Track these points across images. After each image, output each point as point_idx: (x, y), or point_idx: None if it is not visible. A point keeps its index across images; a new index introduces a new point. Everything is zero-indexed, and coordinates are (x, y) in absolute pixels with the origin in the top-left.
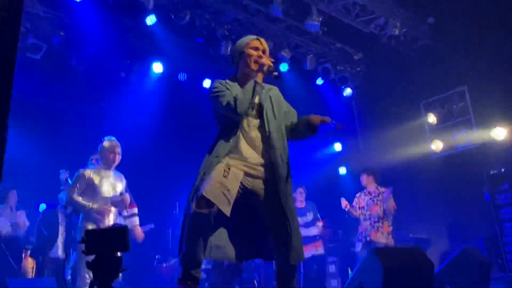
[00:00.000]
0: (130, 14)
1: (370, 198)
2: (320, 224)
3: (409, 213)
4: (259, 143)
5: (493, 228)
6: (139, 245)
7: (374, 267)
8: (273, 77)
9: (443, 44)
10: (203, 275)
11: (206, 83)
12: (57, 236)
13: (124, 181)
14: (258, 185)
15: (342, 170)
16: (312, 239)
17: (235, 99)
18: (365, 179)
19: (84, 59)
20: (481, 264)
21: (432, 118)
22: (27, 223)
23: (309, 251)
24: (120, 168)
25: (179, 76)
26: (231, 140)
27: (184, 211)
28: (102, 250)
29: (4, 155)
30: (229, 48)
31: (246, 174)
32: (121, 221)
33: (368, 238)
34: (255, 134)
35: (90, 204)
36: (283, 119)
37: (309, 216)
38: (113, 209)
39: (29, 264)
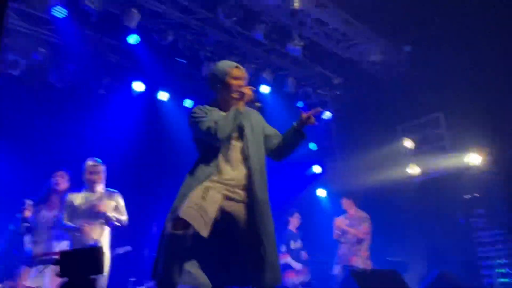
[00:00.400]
0: (113, 32)
1: (350, 223)
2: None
3: (386, 236)
4: (240, 166)
5: (469, 252)
6: (114, 267)
7: None
8: (256, 108)
9: (420, 71)
10: None
11: (187, 103)
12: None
13: (116, 197)
14: (237, 208)
15: (322, 193)
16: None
17: (215, 125)
18: (345, 203)
19: (64, 76)
20: (457, 287)
21: (408, 143)
22: None
23: (295, 278)
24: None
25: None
26: (212, 163)
27: (160, 233)
28: (76, 272)
29: None
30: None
31: (227, 197)
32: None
33: (348, 263)
34: (236, 157)
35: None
36: (262, 142)
37: (298, 244)
38: (96, 226)
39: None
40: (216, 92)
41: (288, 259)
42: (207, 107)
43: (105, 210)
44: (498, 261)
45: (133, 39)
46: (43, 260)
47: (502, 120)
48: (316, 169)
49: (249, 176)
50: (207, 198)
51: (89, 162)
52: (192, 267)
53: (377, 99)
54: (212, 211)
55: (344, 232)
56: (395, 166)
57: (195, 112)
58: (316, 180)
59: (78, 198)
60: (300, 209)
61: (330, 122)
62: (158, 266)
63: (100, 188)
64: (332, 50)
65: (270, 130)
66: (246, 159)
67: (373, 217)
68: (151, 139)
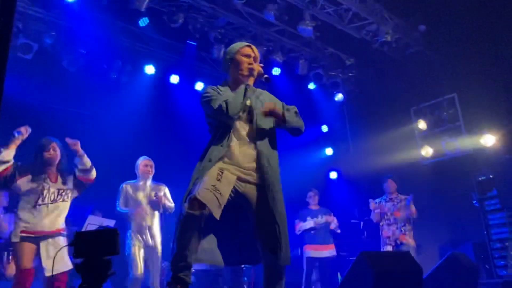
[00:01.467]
0: (123, 16)
1: (393, 204)
2: (333, 219)
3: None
4: (251, 148)
5: (482, 233)
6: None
7: (365, 271)
8: (263, 80)
9: (434, 51)
10: (192, 279)
11: (198, 86)
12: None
13: (164, 188)
14: (250, 190)
15: (333, 175)
16: (325, 240)
17: (226, 102)
18: (391, 185)
19: (76, 60)
20: (469, 269)
21: (422, 124)
22: (11, 228)
23: (320, 252)
24: (110, 170)
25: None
26: (224, 145)
27: (176, 213)
28: (91, 253)
29: None
30: (221, 52)
31: (239, 178)
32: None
33: (398, 241)
34: (247, 139)
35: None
36: (272, 123)
37: (320, 219)
38: (149, 210)
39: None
40: (228, 72)
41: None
42: (219, 87)
43: (161, 198)
44: None
45: (143, 21)
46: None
47: None
48: (328, 151)
49: (258, 159)
50: (221, 179)
51: (144, 159)
52: (206, 245)
53: (390, 80)
54: (226, 192)
55: (387, 214)
56: (408, 148)
57: (207, 92)
58: (328, 162)
59: (132, 188)
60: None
61: (342, 104)
62: (174, 245)
63: (150, 180)
64: (344, 31)
65: (282, 105)
66: (255, 141)
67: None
68: (163, 121)
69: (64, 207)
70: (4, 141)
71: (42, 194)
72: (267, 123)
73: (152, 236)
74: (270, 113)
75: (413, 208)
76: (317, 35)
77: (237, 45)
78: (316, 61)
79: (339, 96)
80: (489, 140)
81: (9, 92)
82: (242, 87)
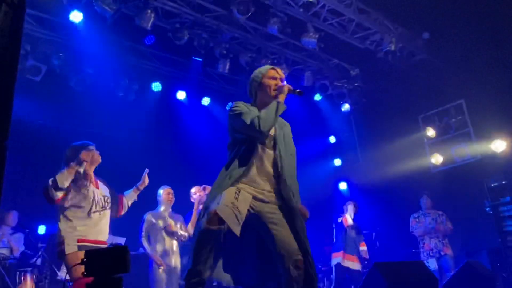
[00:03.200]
0: (129, 34)
1: (432, 219)
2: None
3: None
4: (270, 175)
5: (496, 240)
6: (138, 267)
7: (378, 282)
8: (297, 94)
9: (440, 58)
10: None
11: (205, 101)
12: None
13: (181, 218)
14: (265, 209)
15: (343, 186)
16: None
17: (259, 117)
18: (428, 202)
19: (83, 80)
20: (485, 277)
21: (430, 132)
22: (21, 248)
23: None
24: (117, 187)
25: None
26: (245, 166)
27: (195, 228)
28: (102, 271)
29: (3, 176)
30: (227, 67)
31: (254, 197)
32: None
33: (442, 253)
34: (268, 166)
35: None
36: (289, 157)
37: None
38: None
39: (28, 286)
40: (255, 95)
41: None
42: (250, 105)
43: (177, 230)
44: None
45: (149, 40)
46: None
47: None
48: (337, 162)
49: (281, 187)
50: (239, 197)
51: (167, 188)
52: (222, 262)
53: (396, 89)
54: (244, 210)
55: (428, 228)
56: (418, 156)
57: (237, 106)
58: (337, 173)
59: (154, 216)
60: (323, 203)
61: (349, 114)
62: (189, 261)
63: (170, 208)
64: (348, 41)
65: (293, 151)
66: (278, 169)
67: (398, 210)
68: (170, 138)
69: (108, 217)
70: (11, 160)
71: (94, 200)
72: (287, 158)
73: (172, 258)
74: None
75: (449, 223)
76: (321, 46)
77: (262, 69)
78: (321, 72)
79: (346, 107)
80: (499, 145)
81: (18, 114)
82: (274, 103)
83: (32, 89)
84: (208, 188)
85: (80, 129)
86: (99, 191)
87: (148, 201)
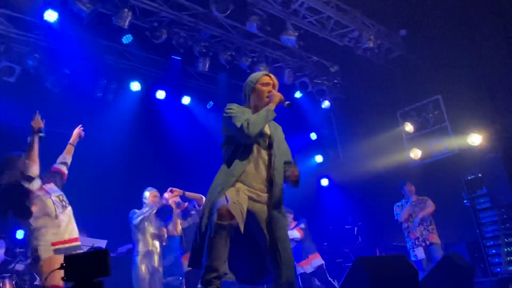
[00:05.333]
0: (106, 34)
1: (415, 206)
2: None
3: (391, 221)
4: (264, 175)
5: (474, 232)
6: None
7: (360, 277)
8: (286, 106)
9: (417, 55)
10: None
11: (185, 100)
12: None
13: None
14: (260, 208)
15: (324, 182)
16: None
17: (248, 122)
18: (410, 188)
19: (60, 80)
20: (464, 269)
21: (409, 127)
22: (2, 258)
23: (306, 267)
24: (95, 187)
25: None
26: (244, 164)
27: (200, 224)
28: (82, 276)
29: None
30: (207, 65)
31: (249, 198)
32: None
33: (428, 242)
34: (263, 166)
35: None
36: (283, 157)
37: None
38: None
39: None
40: (248, 98)
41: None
42: (243, 107)
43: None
44: (506, 240)
45: (126, 38)
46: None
47: (502, 98)
48: (318, 158)
49: (272, 187)
50: (239, 197)
51: (152, 190)
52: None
53: (375, 85)
54: (245, 209)
55: (412, 216)
56: (397, 151)
57: (231, 108)
58: (318, 169)
59: (148, 219)
60: (305, 199)
61: (329, 111)
62: (203, 257)
63: (155, 210)
64: (327, 39)
65: (287, 147)
66: (271, 170)
67: (378, 204)
68: (151, 137)
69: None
70: None
71: (55, 204)
72: (280, 158)
73: (155, 259)
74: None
75: (432, 203)
76: (300, 44)
77: (256, 75)
78: (301, 70)
79: (326, 104)
80: (475, 139)
81: None
82: (264, 110)
83: (6, 90)
84: (177, 190)
85: (57, 130)
86: (52, 196)
87: (132, 202)
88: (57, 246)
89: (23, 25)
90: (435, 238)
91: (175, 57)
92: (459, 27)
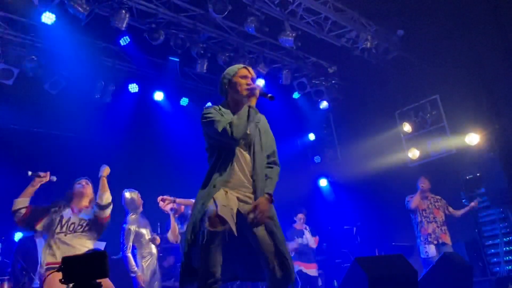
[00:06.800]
0: (104, 35)
1: (431, 203)
2: (315, 239)
3: (391, 221)
4: (248, 172)
5: (473, 232)
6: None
7: (359, 277)
8: (268, 99)
9: (414, 55)
10: None
11: (183, 101)
12: (36, 266)
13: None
14: (249, 210)
15: (323, 182)
16: (309, 259)
17: (231, 124)
18: (425, 183)
19: (58, 82)
20: (462, 268)
21: (407, 127)
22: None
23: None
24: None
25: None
26: (226, 171)
27: (191, 230)
28: (80, 277)
29: None
30: (205, 66)
31: (238, 199)
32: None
33: (440, 240)
34: (246, 166)
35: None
36: (268, 149)
37: (305, 239)
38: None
39: None
40: (226, 94)
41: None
42: (220, 107)
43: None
44: (504, 239)
45: (123, 40)
46: None
47: (500, 98)
48: (316, 159)
49: (255, 185)
50: (229, 199)
51: (134, 193)
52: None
53: (373, 85)
54: (235, 210)
55: (426, 211)
56: (395, 151)
57: (209, 113)
58: (317, 170)
59: (138, 226)
60: (304, 200)
61: (327, 112)
62: (195, 260)
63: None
64: (324, 39)
65: (272, 136)
66: (253, 166)
67: (377, 204)
68: (149, 139)
69: (87, 239)
70: None
71: (61, 223)
72: (262, 153)
73: (154, 263)
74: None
75: (450, 209)
76: (298, 45)
77: (233, 68)
78: (299, 70)
79: (324, 104)
80: (473, 139)
81: None
82: (246, 108)
83: (4, 93)
84: (168, 198)
85: (56, 132)
86: (76, 216)
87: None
88: (49, 266)
89: (20, 27)
90: (447, 239)
91: (173, 58)
92: (456, 27)
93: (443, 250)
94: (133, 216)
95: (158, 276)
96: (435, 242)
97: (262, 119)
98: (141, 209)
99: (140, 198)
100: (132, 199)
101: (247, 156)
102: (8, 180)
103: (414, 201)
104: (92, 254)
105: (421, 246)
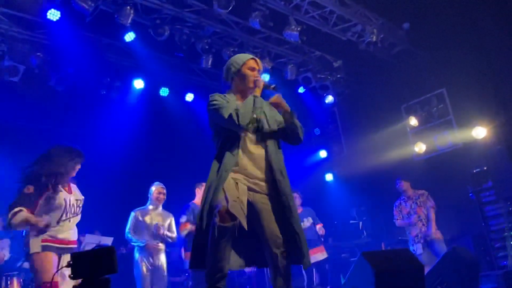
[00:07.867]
0: (108, 32)
1: (413, 202)
2: (319, 226)
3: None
4: (259, 159)
5: (480, 226)
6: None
7: (366, 271)
8: (273, 90)
9: (420, 48)
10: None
11: (189, 97)
12: None
13: (171, 218)
14: (259, 199)
15: (329, 177)
16: (315, 243)
17: (237, 112)
18: (404, 185)
19: (63, 79)
20: (469, 263)
21: (413, 121)
22: (7, 255)
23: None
24: (101, 185)
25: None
26: (235, 155)
27: (200, 224)
28: (89, 273)
29: None
30: (209, 62)
31: (248, 188)
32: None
33: (428, 238)
34: (254, 150)
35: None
36: (277, 126)
37: (306, 222)
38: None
39: None
40: (232, 82)
41: None
42: (226, 95)
43: (164, 233)
44: (511, 233)
45: (129, 36)
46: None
47: (506, 91)
48: (322, 153)
49: (271, 171)
50: (239, 190)
51: (159, 186)
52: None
53: (379, 79)
54: (245, 202)
55: (410, 213)
56: (401, 145)
57: (215, 100)
58: (323, 164)
59: (142, 213)
60: (310, 194)
61: (333, 106)
62: (201, 254)
63: (160, 207)
64: (330, 33)
65: (280, 118)
66: (264, 151)
67: (383, 199)
68: (155, 135)
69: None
70: None
71: (66, 209)
72: (272, 133)
73: (158, 257)
74: (277, 105)
75: (431, 201)
76: (303, 39)
77: (242, 57)
78: (304, 65)
79: (330, 98)
80: (480, 132)
81: None
82: (251, 98)
83: (10, 89)
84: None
85: (62, 129)
86: (73, 196)
87: (139, 197)
88: (45, 244)
89: (26, 24)
90: (436, 235)
91: (178, 54)
92: (462, 20)
93: (432, 245)
94: (150, 207)
95: (164, 272)
96: (422, 241)
97: (267, 105)
98: (156, 204)
99: (158, 194)
100: (150, 191)
101: (254, 137)
102: (15, 176)
103: (401, 223)
104: (101, 250)
105: (410, 247)
